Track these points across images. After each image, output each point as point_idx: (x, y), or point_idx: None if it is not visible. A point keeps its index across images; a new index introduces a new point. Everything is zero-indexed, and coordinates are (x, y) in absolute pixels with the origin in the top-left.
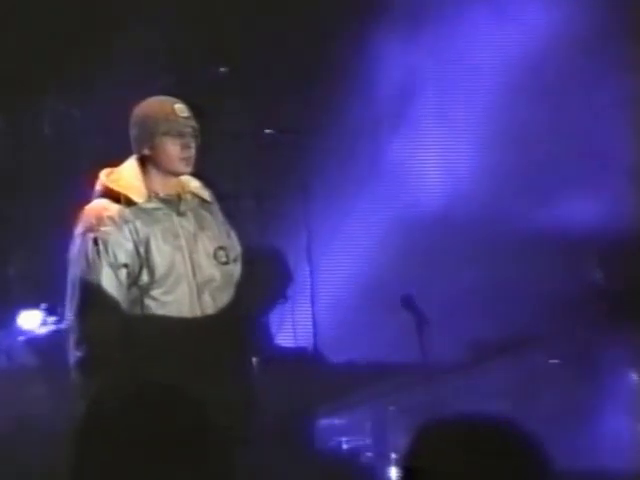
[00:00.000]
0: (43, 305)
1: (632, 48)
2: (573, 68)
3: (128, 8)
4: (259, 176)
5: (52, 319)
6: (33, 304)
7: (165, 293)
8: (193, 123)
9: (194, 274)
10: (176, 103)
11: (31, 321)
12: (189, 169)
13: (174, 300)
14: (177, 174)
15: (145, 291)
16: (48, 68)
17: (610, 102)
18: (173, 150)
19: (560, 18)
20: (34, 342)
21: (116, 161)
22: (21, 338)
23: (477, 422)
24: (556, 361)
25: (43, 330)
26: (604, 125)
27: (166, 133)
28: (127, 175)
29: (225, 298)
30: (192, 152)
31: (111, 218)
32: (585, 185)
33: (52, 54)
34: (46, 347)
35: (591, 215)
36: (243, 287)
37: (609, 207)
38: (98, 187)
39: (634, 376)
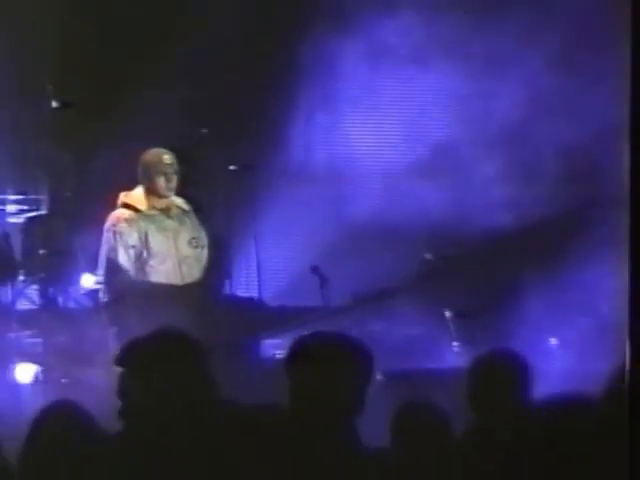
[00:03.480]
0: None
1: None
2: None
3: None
4: (221, 195)
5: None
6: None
7: (158, 264)
8: (175, 166)
9: (176, 253)
10: (164, 154)
11: (86, 280)
12: (171, 193)
13: (163, 269)
14: (165, 196)
15: (145, 262)
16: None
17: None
18: (161, 183)
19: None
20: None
21: (130, 187)
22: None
23: (332, 336)
24: None
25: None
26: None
27: (157, 173)
28: (136, 195)
29: (195, 269)
30: (173, 183)
31: (125, 219)
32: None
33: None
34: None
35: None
36: (207, 262)
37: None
38: (119, 202)
39: None
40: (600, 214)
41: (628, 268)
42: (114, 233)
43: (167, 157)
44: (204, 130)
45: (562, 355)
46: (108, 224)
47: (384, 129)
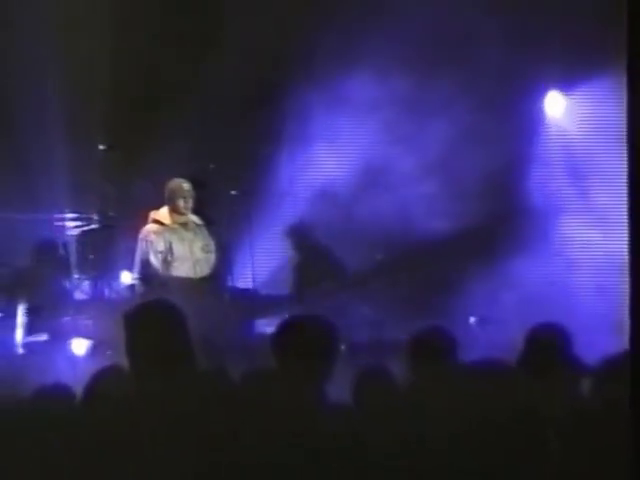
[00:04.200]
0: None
1: None
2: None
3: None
4: (225, 213)
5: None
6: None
7: (179, 264)
8: (191, 191)
9: (192, 256)
10: (183, 182)
11: (125, 276)
12: (189, 212)
13: (182, 268)
14: (184, 214)
15: (170, 263)
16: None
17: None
18: (181, 204)
19: None
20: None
21: (158, 207)
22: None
23: (307, 318)
24: None
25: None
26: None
27: (178, 197)
28: (162, 213)
29: (205, 267)
30: (190, 204)
31: (155, 231)
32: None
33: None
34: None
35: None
36: (214, 263)
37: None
38: (149, 218)
39: None
40: (512, 222)
41: (629, 269)
42: (146, 242)
43: (185, 185)
44: (212, 165)
45: (482, 330)
46: (141, 235)
47: (345, 162)
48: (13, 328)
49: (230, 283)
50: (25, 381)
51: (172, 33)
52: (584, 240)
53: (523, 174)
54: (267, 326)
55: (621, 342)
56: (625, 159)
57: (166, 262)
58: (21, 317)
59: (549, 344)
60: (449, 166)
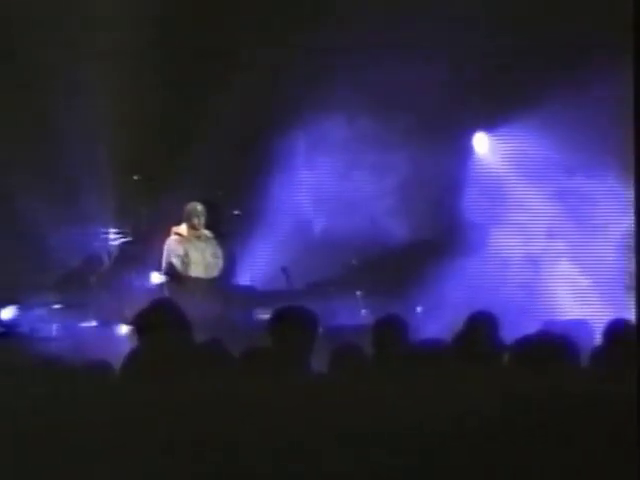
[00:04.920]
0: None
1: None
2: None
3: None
4: (230, 228)
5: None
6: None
7: (194, 267)
8: (204, 212)
9: (204, 261)
10: (198, 204)
11: (155, 276)
12: (202, 227)
13: (197, 270)
14: (198, 229)
15: (187, 265)
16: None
17: None
18: (196, 221)
19: None
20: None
21: (178, 223)
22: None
23: (294, 308)
24: None
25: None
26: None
27: (193, 216)
28: (182, 228)
29: (214, 270)
30: (203, 222)
31: (175, 241)
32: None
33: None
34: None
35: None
36: (221, 266)
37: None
38: (172, 231)
39: None
40: (453, 232)
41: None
42: (169, 249)
43: (199, 207)
44: (220, 192)
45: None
46: (166, 244)
47: (324, 186)
48: (73, 316)
49: (233, 282)
50: (83, 356)
51: (189, 93)
52: (509, 245)
53: (461, 195)
54: (263, 314)
55: (536, 325)
56: (540, 187)
57: (184, 264)
58: (78, 308)
59: (481, 326)
60: (404, 189)
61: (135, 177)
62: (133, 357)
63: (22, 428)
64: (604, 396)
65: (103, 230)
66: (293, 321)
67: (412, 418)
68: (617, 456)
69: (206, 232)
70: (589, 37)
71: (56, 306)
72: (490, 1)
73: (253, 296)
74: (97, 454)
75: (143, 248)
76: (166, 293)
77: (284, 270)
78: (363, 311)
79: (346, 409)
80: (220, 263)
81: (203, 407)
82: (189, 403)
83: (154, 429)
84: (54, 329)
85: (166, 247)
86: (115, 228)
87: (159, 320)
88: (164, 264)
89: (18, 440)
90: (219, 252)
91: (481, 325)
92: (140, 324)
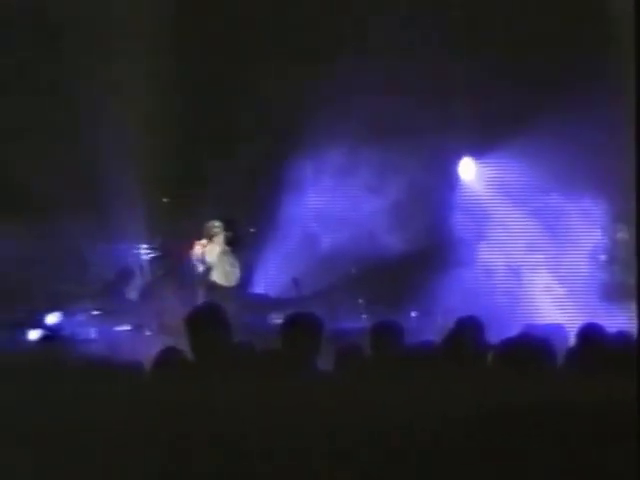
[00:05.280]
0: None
1: None
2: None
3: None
4: (245, 243)
5: None
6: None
7: (215, 275)
8: (221, 229)
9: (223, 270)
10: (216, 222)
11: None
12: (221, 242)
13: (217, 278)
14: (217, 244)
15: (209, 271)
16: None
17: None
18: (216, 238)
19: None
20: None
21: (199, 239)
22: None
23: (303, 314)
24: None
25: None
26: None
27: (213, 233)
28: (203, 242)
29: (232, 278)
30: (221, 238)
31: (198, 249)
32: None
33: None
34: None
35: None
36: (239, 275)
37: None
38: (195, 245)
39: None
40: (443, 247)
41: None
42: (194, 260)
43: (217, 225)
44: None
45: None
46: (191, 256)
47: (329, 206)
48: (109, 322)
49: (249, 290)
50: (118, 356)
51: (214, 130)
52: (493, 258)
53: (450, 214)
54: (276, 319)
55: (518, 329)
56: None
57: (207, 273)
58: (113, 314)
59: (468, 329)
60: (399, 208)
61: (164, 199)
62: (171, 355)
63: (63, 421)
64: (577, 395)
65: (135, 247)
66: (303, 325)
67: (405, 414)
68: (608, 456)
69: (225, 246)
70: (572, 68)
71: (94, 313)
72: (473, 32)
73: (267, 303)
74: (128, 450)
75: (170, 261)
76: (198, 300)
77: (295, 281)
78: (363, 316)
79: (349, 402)
80: (237, 272)
81: (244, 405)
82: (239, 400)
83: (191, 427)
84: (92, 333)
85: (191, 257)
86: (145, 244)
87: (210, 320)
88: (189, 274)
89: (63, 431)
90: (236, 263)
91: (468, 328)
92: (192, 324)
